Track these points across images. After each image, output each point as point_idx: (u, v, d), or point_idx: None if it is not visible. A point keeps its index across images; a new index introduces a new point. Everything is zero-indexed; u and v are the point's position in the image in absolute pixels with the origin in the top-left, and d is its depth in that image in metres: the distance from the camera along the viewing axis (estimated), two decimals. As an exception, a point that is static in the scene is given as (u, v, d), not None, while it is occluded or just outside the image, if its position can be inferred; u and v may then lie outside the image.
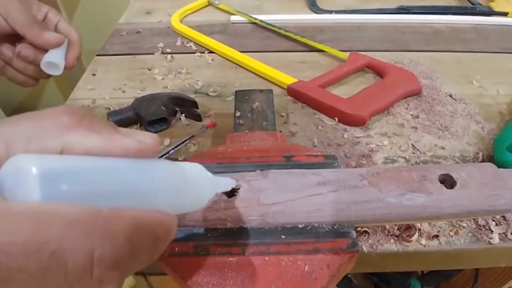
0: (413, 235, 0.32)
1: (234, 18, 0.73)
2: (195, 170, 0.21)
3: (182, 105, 0.48)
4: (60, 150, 0.15)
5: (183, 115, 0.48)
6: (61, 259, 0.12)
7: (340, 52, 0.60)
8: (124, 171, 0.16)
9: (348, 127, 0.46)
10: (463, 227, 0.34)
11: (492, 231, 0.33)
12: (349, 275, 0.81)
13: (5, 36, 0.39)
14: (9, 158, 0.14)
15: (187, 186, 0.19)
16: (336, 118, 0.47)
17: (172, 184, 0.18)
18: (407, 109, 0.49)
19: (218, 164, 0.32)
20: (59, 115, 0.16)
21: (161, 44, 0.65)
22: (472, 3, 0.77)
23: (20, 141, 0.15)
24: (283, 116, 0.48)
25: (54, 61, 0.39)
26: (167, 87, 0.55)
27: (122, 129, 0.17)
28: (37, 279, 0.11)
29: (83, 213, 0.13)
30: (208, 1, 0.80)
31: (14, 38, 0.39)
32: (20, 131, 0.15)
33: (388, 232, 0.33)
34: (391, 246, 0.33)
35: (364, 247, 0.32)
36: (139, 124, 0.48)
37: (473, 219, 0.34)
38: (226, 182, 0.25)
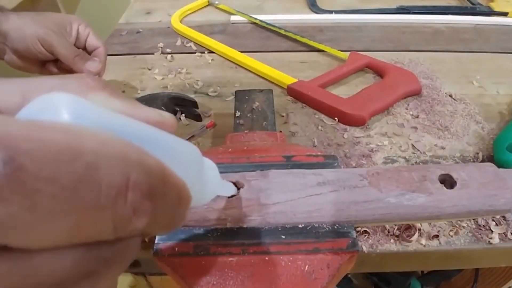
0: (413, 235, 0.32)
1: (234, 18, 0.73)
2: (210, 164, 0.21)
3: (182, 105, 0.48)
4: None
5: (183, 115, 0.48)
6: (96, 174, 0.11)
7: (340, 52, 0.60)
8: (151, 133, 0.15)
9: (348, 127, 0.46)
10: (463, 227, 0.34)
11: (492, 231, 0.33)
12: (349, 275, 0.81)
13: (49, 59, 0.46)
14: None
15: (203, 174, 0.19)
16: (336, 118, 0.47)
17: (193, 164, 0.17)
18: (407, 109, 0.49)
19: (218, 164, 0.32)
20: (83, 77, 0.16)
21: (161, 44, 0.65)
22: (472, 3, 0.77)
23: (39, 94, 0.14)
24: (283, 116, 0.48)
25: None
26: (167, 87, 0.55)
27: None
28: (66, 195, 0.10)
29: (117, 140, 0.12)
30: (208, 1, 0.80)
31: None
32: (42, 84, 0.14)
33: (388, 232, 0.33)
34: (391, 246, 0.32)
35: (364, 247, 0.32)
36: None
37: (473, 219, 0.34)
38: (229, 187, 0.24)
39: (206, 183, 0.19)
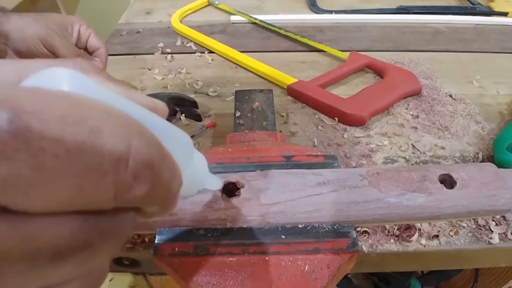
0: (413, 235, 0.32)
1: (234, 18, 0.73)
2: (199, 156, 0.21)
3: (182, 105, 0.48)
4: None
5: (183, 115, 0.48)
6: (99, 139, 0.11)
7: (340, 52, 0.60)
8: (146, 113, 0.15)
9: (348, 127, 0.46)
10: (463, 227, 0.34)
11: (492, 231, 0.33)
12: (349, 275, 0.81)
13: None
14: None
15: (192, 162, 0.19)
16: (336, 118, 0.47)
17: (185, 149, 0.18)
18: (407, 109, 0.49)
19: (218, 164, 0.32)
20: (79, 61, 0.16)
21: (161, 44, 0.65)
22: (472, 3, 0.77)
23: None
24: (283, 116, 0.48)
25: None
26: (167, 87, 0.55)
27: None
28: (70, 157, 0.10)
29: (117, 110, 0.12)
30: (208, 1, 0.80)
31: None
32: (37, 64, 0.14)
33: (388, 232, 0.33)
34: (391, 246, 0.33)
35: (364, 247, 0.32)
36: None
37: (473, 219, 0.34)
38: (216, 182, 0.24)
39: (195, 172, 0.20)
